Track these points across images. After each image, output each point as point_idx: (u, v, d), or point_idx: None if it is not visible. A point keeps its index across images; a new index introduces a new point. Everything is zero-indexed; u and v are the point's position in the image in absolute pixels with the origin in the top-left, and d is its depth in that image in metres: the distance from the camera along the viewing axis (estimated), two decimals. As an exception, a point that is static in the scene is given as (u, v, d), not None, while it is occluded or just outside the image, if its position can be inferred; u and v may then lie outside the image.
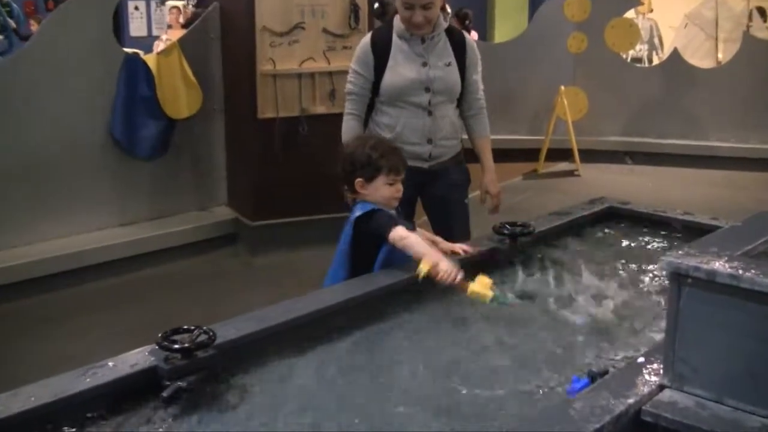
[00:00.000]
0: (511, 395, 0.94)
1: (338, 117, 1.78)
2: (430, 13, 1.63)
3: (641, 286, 1.31)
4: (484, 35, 6.47)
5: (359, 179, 1.34)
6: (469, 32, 3.34)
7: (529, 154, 4.01)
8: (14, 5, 5.16)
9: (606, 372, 0.91)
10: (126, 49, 2.86)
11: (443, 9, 1.80)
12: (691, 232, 1.48)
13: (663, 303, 1.15)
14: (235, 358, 0.99)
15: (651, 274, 1.35)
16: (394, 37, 1.69)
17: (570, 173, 3.95)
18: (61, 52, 2.46)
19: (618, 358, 1.03)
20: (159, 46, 4.30)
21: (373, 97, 1.72)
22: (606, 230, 1.58)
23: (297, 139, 2.64)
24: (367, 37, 1.75)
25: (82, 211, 2.55)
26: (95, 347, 1.91)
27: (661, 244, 1.50)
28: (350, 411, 0.92)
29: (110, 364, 0.94)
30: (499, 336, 1.11)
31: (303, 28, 2.59)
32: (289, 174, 2.64)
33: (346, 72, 1.79)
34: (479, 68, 1.76)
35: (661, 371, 0.88)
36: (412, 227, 1.36)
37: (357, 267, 1.32)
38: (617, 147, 4.11)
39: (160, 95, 2.63)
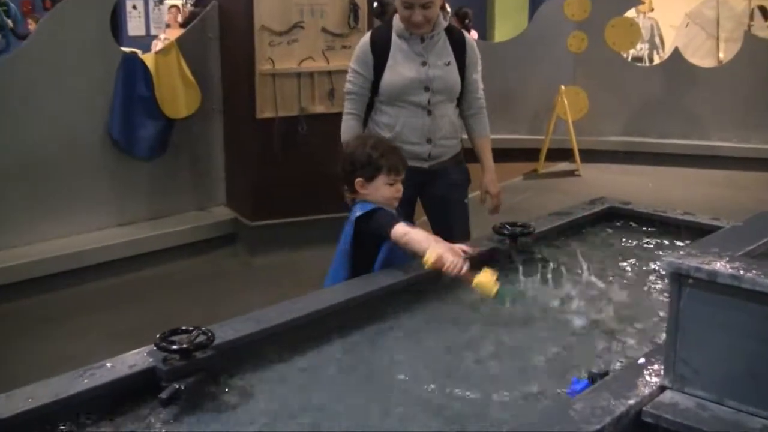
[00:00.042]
0: (510, 396, 0.94)
1: (337, 116, 1.77)
2: (429, 12, 1.63)
3: (642, 286, 1.30)
4: (484, 34, 6.46)
5: (359, 179, 1.34)
6: (468, 31, 3.33)
7: (529, 153, 4.01)
8: (11, 4, 5.17)
9: (606, 373, 0.91)
10: (124, 49, 2.86)
11: (443, 8, 1.80)
12: (691, 232, 1.48)
13: (664, 303, 1.14)
14: (234, 359, 0.99)
15: (652, 275, 1.34)
16: (394, 37, 1.69)
17: (570, 173, 3.95)
18: (59, 52, 2.45)
19: (618, 358, 1.03)
20: (157, 45, 4.30)
21: (372, 96, 1.72)
22: (606, 230, 1.57)
23: (296, 138, 2.63)
24: (367, 37, 1.75)
25: (81, 211, 2.54)
26: (95, 347, 1.91)
27: (661, 245, 1.50)
28: (350, 411, 0.92)
29: (108, 365, 0.94)
30: (499, 336, 1.11)
31: (302, 28, 2.59)
32: (288, 174, 2.64)
33: (345, 71, 1.79)
34: (479, 67, 1.76)
35: (662, 372, 0.87)
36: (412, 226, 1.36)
37: (357, 267, 1.32)
38: (618, 147, 4.10)
39: (158, 95, 2.63)
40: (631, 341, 1.09)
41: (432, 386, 0.97)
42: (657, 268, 1.35)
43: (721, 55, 5.08)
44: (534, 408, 0.92)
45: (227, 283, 2.50)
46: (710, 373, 0.83)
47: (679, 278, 0.84)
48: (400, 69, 1.67)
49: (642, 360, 0.93)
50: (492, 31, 6.94)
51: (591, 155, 4.00)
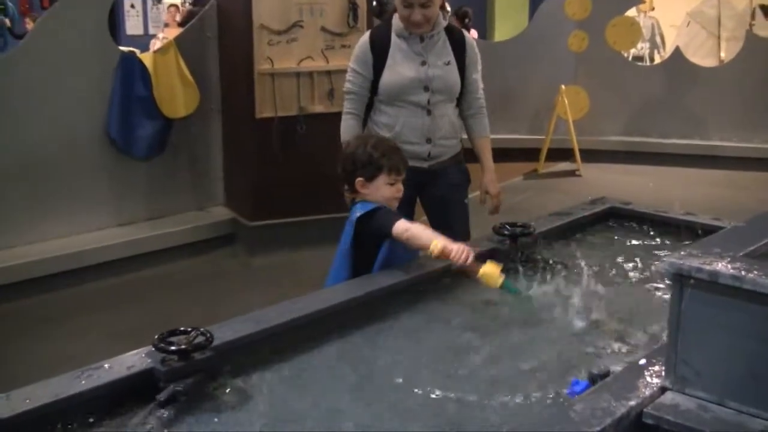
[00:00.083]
0: (510, 397, 0.94)
1: (337, 116, 1.77)
2: (429, 11, 1.63)
3: (642, 287, 1.30)
4: (484, 34, 6.47)
5: (360, 179, 1.33)
6: (468, 31, 3.32)
7: (529, 153, 4.00)
8: (9, 3, 5.18)
9: (607, 374, 0.90)
10: (122, 48, 2.85)
11: (442, 7, 1.80)
12: (693, 232, 1.47)
13: (664, 304, 1.14)
14: (232, 359, 0.98)
15: (652, 275, 1.34)
16: (393, 36, 1.69)
17: (571, 173, 3.94)
18: (57, 51, 2.44)
19: (619, 359, 1.02)
20: (155, 44, 4.28)
21: (372, 96, 1.72)
22: (607, 231, 1.57)
23: (295, 138, 2.63)
24: (366, 36, 1.74)
25: (80, 211, 2.54)
26: (94, 347, 1.91)
27: (662, 245, 1.49)
28: (350, 412, 0.92)
29: (106, 365, 0.93)
30: (499, 337, 1.11)
31: (301, 27, 2.58)
32: (288, 174, 2.64)
33: (344, 71, 1.79)
34: (479, 67, 1.75)
35: (663, 373, 0.87)
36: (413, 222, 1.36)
37: (358, 267, 1.31)
38: (618, 147, 4.10)
39: (156, 94, 2.62)
40: (631, 342, 1.08)
41: (432, 387, 0.96)
42: (658, 268, 1.34)
43: (722, 54, 5.07)
44: (534, 409, 0.91)
45: (226, 284, 2.50)
46: (711, 374, 0.83)
47: (680, 279, 0.83)
48: (399, 68, 1.67)
49: (643, 361, 0.92)
50: (492, 30, 6.94)
51: (591, 155, 4.00)
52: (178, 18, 4.90)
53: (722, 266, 0.81)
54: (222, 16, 2.74)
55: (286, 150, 2.63)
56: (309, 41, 2.60)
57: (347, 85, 1.73)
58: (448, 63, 1.69)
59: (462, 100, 1.75)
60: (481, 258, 1.21)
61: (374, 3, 2.70)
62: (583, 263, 1.34)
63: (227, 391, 0.94)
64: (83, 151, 2.54)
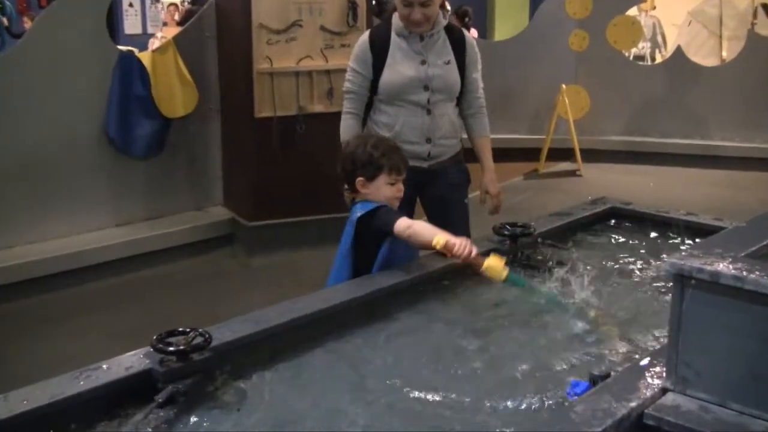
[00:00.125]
0: (511, 397, 0.93)
1: (336, 116, 1.77)
2: (428, 10, 1.62)
3: (643, 287, 1.30)
4: (484, 33, 6.45)
5: (360, 178, 1.33)
6: (468, 30, 3.32)
7: (529, 153, 3.99)
8: (7, 2, 5.12)
9: (608, 375, 0.90)
10: (120, 47, 2.84)
11: (442, 6, 1.80)
12: (694, 232, 1.47)
13: (665, 305, 1.13)
14: (231, 360, 0.98)
15: (653, 276, 1.33)
16: (393, 35, 1.68)
17: (571, 173, 3.93)
18: (55, 50, 2.43)
19: (620, 360, 1.02)
20: (154, 43, 4.26)
21: (371, 95, 1.71)
22: (608, 231, 1.56)
23: (294, 138, 2.62)
24: (366, 35, 1.74)
25: (79, 211, 2.54)
26: (94, 347, 1.91)
27: (663, 245, 1.49)
28: (349, 412, 0.91)
29: (104, 366, 0.93)
30: (500, 338, 1.10)
31: (300, 26, 2.57)
32: (287, 174, 2.63)
33: (344, 70, 1.78)
34: (479, 66, 1.75)
35: (664, 374, 0.87)
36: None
37: (359, 267, 1.31)
38: (619, 146, 4.09)
39: (155, 94, 2.61)
40: (632, 343, 1.08)
41: (432, 387, 0.96)
42: (659, 269, 1.34)
43: (724, 53, 5.05)
44: (535, 410, 0.91)
45: (226, 284, 2.50)
46: (713, 375, 0.82)
47: (681, 279, 0.83)
48: (399, 68, 1.66)
49: (644, 362, 0.92)
50: (492, 29, 6.93)
51: (592, 155, 3.99)
52: (177, 17, 4.88)
53: (723, 267, 0.80)
54: (221, 16, 2.73)
55: (285, 150, 2.62)
56: (308, 40, 2.59)
57: (347, 85, 1.72)
58: (448, 62, 1.68)
59: (462, 99, 1.74)
60: (484, 253, 1.21)
61: (374, 2, 2.69)
62: (583, 264, 1.34)
63: (226, 391, 0.94)
64: (82, 151, 2.53)
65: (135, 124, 2.59)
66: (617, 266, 1.38)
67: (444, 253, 1.21)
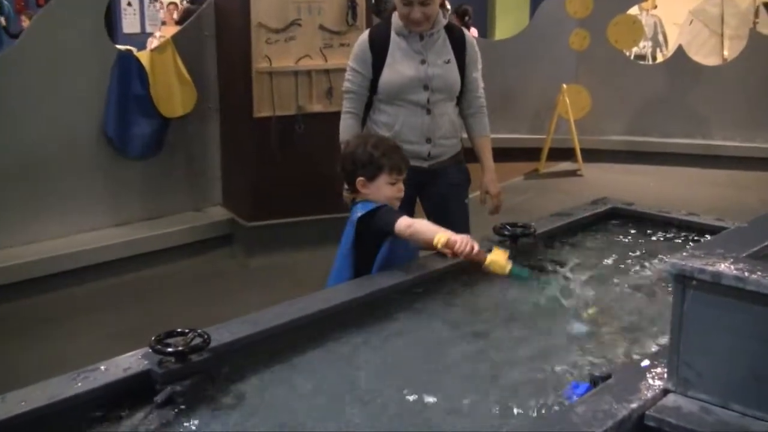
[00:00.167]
0: (511, 398, 0.93)
1: (336, 115, 1.76)
2: (428, 9, 1.61)
3: (644, 288, 1.29)
4: (485, 32, 6.43)
5: (361, 178, 1.32)
6: (468, 29, 3.31)
7: (530, 153, 3.99)
8: (4, 1, 5.10)
9: (608, 376, 0.90)
10: (119, 46, 2.83)
11: (442, 5, 1.79)
12: (695, 233, 1.46)
13: (667, 305, 1.13)
14: (230, 361, 0.97)
15: (654, 276, 1.33)
16: (393, 35, 1.68)
17: (572, 173, 3.92)
18: (53, 50, 2.42)
19: (621, 361, 1.01)
20: (152, 43, 4.26)
21: (371, 95, 1.71)
22: (609, 231, 1.56)
23: (293, 138, 2.61)
24: (365, 34, 1.73)
25: (78, 211, 2.53)
26: (93, 348, 1.90)
27: (664, 246, 1.48)
28: (348, 413, 0.91)
29: (102, 367, 0.93)
30: (500, 339, 1.10)
31: (299, 25, 2.56)
32: (286, 174, 2.62)
33: (343, 70, 1.78)
34: (479, 66, 1.74)
35: (665, 375, 0.86)
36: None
37: (360, 267, 1.30)
38: (620, 146, 4.08)
39: (153, 93, 2.60)
40: (633, 343, 1.08)
41: (432, 387, 0.96)
42: (660, 269, 1.33)
43: (725, 52, 5.03)
44: (535, 411, 0.91)
45: (224, 284, 2.49)
46: (714, 377, 0.82)
47: (682, 280, 0.82)
48: (399, 67, 1.66)
49: (645, 363, 0.92)
50: (492, 28, 6.92)
51: (593, 155, 3.98)
52: (175, 16, 4.88)
53: (725, 267, 0.80)
54: (220, 15, 2.72)
55: (284, 149, 2.61)
56: (307, 40, 2.58)
57: (346, 84, 1.72)
58: (448, 61, 1.68)
59: (462, 99, 1.74)
60: (476, 266, 1.21)
61: (373, 1, 2.68)
62: (584, 264, 1.33)
63: (224, 393, 0.94)
64: (80, 151, 2.53)
65: (133, 124, 2.58)
66: (618, 267, 1.38)
67: (445, 253, 1.20)
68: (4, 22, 4.98)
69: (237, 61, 2.61)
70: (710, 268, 0.80)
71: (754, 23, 4.90)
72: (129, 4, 6.10)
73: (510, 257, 1.17)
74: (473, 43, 1.74)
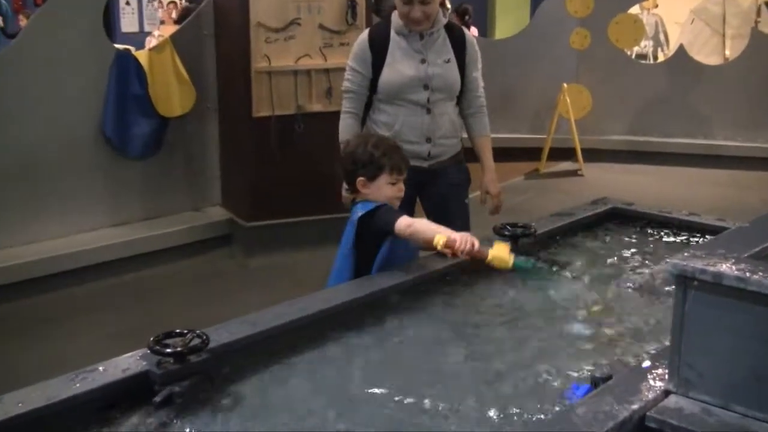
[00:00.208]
0: (511, 399, 0.93)
1: (335, 115, 1.76)
2: (428, 8, 1.61)
3: (645, 288, 1.28)
4: (485, 31, 6.42)
5: (361, 178, 1.32)
6: (468, 28, 3.32)
7: (530, 153, 3.98)
8: (2, 1, 5.07)
9: (609, 377, 0.89)
10: (117, 46, 2.82)
11: (442, 5, 1.80)
12: (696, 233, 1.46)
13: (668, 306, 1.12)
14: (228, 362, 0.97)
15: (655, 277, 1.32)
16: (393, 34, 1.67)
17: (573, 173, 3.92)
18: (51, 49, 2.41)
19: (622, 362, 1.01)
20: (151, 42, 4.23)
21: (370, 95, 1.70)
22: (609, 232, 1.55)
23: (293, 137, 2.61)
24: (365, 34, 1.73)
25: (76, 211, 2.52)
26: (91, 348, 1.90)
27: (665, 246, 1.48)
28: (348, 414, 0.91)
29: (101, 368, 0.92)
30: (500, 339, 1.10)
31: (299, 24, 2.55)
32: (285, 174, 2.61)
33: (343, 69, 1.77)
34: (479, 65, 1.74)
35: (666, 376, 0.86)
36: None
37: (360, 267, 1.30)
38: (621, 146, 4.07)
39: (152, 93, 2.60)
40: (634, 344, 1.07)
41: (433, 388, 0.95)
42: (660, 269, 1.32)
43: (727, 52, 5.02)
44: (536, 411, 0.90)
45: (223, 285, 2.49)
46: (716, 377, 0.82)
47: (684, 280, 0.82)
48: (398, 67, 1.66)
49: (646, 364, 0.91)
50: (493, 27, 6.91)
51: (594, 154, 3.97)
52: (174, 15, 4.87)
53: (726, 267, 0.80)
54: (219, 14, 2.72)
55: (283, 149, 2.61)
56: (307, 39, 2.58)
57: (346, 84, 1.71)
58: (448, 61, 1.67)
59: (462, 98, 1.73)
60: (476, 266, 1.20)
61: (373, 0, 2.67)
62: (584, 264, 1.33)
63: (223, 393, 0.93)
64: (78, 151, 2.52)
65: (132, 124, 2.57)
66: (619, 267, 1.37)
67: (445, 253, 1.20)
68: (1, 22, 4.95)
69: (236, 61, 2.60)
70: (711, 269, 0.79)
71: (756, 22, 4.88)
72: (127, 3, 6.08)
73: (512, 250, 1.16)
74: (473, 43, 1.74)
